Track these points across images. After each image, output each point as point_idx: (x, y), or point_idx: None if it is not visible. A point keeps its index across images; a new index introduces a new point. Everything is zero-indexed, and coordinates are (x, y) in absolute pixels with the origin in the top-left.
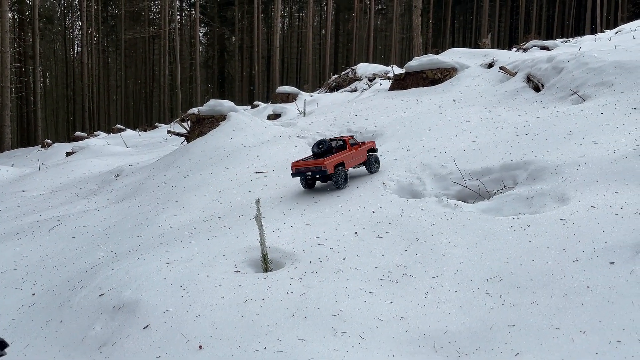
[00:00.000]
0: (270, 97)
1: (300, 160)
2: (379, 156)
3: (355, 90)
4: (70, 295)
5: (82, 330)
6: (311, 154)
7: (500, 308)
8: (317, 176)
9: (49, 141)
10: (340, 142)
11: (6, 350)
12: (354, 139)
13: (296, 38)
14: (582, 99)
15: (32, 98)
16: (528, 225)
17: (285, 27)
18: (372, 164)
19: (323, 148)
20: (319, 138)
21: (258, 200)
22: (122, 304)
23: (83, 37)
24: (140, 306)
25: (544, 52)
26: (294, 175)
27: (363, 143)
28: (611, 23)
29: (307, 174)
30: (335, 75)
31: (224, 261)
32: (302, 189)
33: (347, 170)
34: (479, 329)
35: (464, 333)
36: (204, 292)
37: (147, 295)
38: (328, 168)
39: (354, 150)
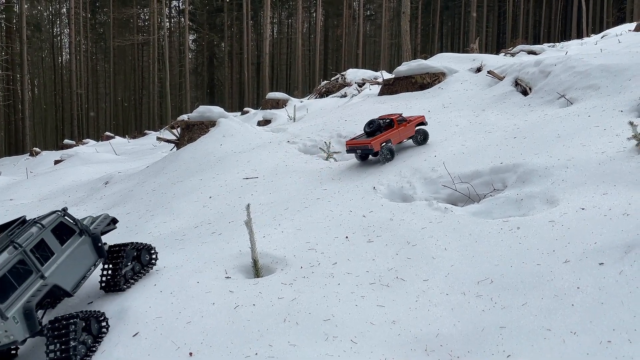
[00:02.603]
0: (260, 103)
1: (352, 139)
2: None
3: (345, 95)
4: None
5: None
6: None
7: (492, 310)
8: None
9: (37, 149)
10: (388, 121)
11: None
12: (402, 116)
13: (286, 44)
14: (570, 102)
15: (20, 106)
16: (518, 228)
17: (275, 34)
18: (419, 137)
19: (372, 127)
20: (309, 143)
21: (248, 205)
22: (111, 311)
23: (71, 45)
24: (130, 314)
25: (532, 56)
26: (348, 151)
27: (411, 119)
28: (597, 27)
29: (357, 150)
30: (325, 81)
31: (215, 267)
32: (293, 193)
33: (394, 145)
34: (470, 331)
35: (455, 336)
36: (194, 298)
37: (137, 302)
38: (374, 147)
39: (402, 127)
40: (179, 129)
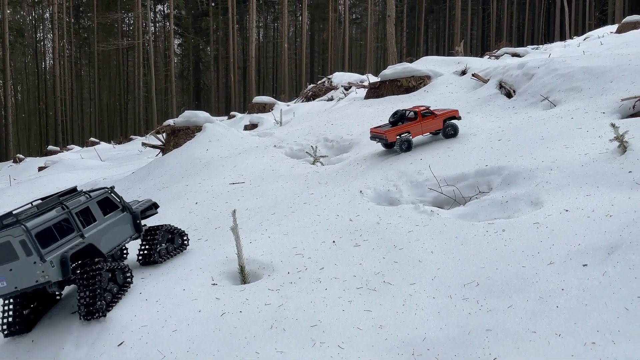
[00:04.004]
0: (247, 107)
1: (376, 127)
2: (456, 124)
3: (331, 99)
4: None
5: (53, 350)
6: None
7: (478, 313)
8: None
9: (20, 156)
10: (412, 114)
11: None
12: (428, 109)
13: (272, 48)
14: (553, 104)
15: (2, 112)
16: (503, 230)
17: (261, 38)
18: (447, 131)
19: (396, 117)
20: (295, 148)
21: (234, 211)
22: (95, 321)
23: (55, 50)
24: (115, 323)
25: (516, 59)
26: (371, 138)
27: (439, 112)
28: (579, 29)
29: (376, 139)
30: (312, 85)
31: (201, 274)
32: (280, 198)
33: (414, 137)
34: (457, 334)
35: (442, 339)
36: (180, 306)
37: (122, 311)
38: (388, 137)
39: (427, 120)
40: (164, 134)
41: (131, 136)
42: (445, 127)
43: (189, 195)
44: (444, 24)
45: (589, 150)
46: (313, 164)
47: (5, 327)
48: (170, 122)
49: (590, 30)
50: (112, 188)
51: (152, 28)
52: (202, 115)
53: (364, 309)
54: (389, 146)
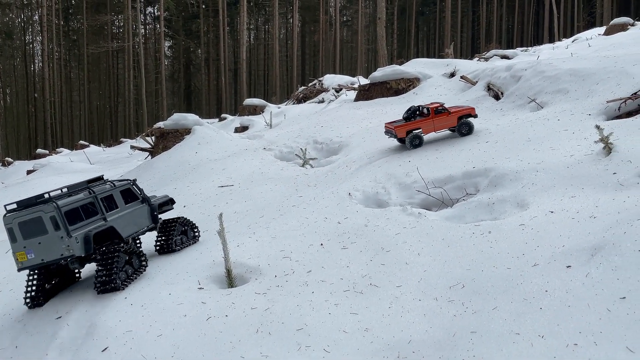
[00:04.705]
0: (238, 109)
1: (391, 122)
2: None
3: (322, 101)
4: (26, 319)
5: (37, 356)
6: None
7: (463, 315)
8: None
9: (9, 159)
10: (425, 110)
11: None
12: (442, 106)
13: (263, 50)
14: (540, 106)
15: None
16: (489, 232)
17: (252, 40)
18: (462, 128)
19: (409, 113)
20: (285, 150)
21: (221, 214)
22: (80, 326)
23: (44, 53)
24: (99, 328)
25: (505, 61)
26: (385, 133)
27: (454, 109)
28: (568, 31)
29: (389, 134)
30: (303, 87)
31: (187, 278)
32: (268, 201)
33: (427, 134)
34: (442, 337)
35: (427, 342)
36: (166, 310)
37: (106, 316)
38: (397, 133)
39: (440, 117)
40: (154, 137)
41: (121, 139)
42: (460, 124)
43: (178, 198)
44: (434, 26)
45: (575, 152)
46: (302, 166)
47: (28, 300)
48: (161, 124)
49: (578, 32)
50: (134, 181)
51: (142, 30)
52: (191, 117)
53: (350, 312)
54: (402, 141)
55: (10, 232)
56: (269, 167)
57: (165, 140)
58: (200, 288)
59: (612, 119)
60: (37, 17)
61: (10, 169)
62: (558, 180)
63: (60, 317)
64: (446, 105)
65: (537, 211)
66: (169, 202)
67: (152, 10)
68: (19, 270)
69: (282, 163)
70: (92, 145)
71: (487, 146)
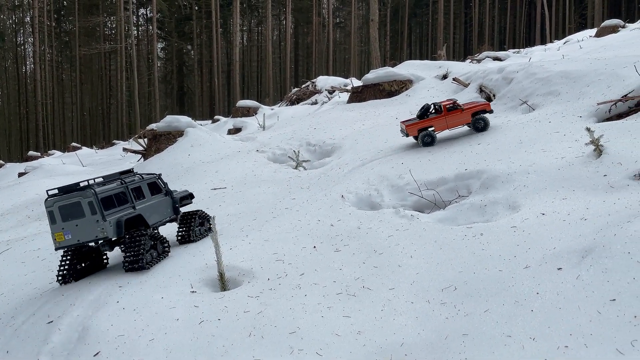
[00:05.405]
0: (231, 111)
1: (405, 120)
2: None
3: (315, 102)
4: (18, 323)
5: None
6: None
7: (455, 318)
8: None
9: (1, 161)
10: (437, 107)
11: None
12: (455, 104)
13: (256, 52)
14: (532, 108)
15: None
16: (481, 234)
17: (245, 41)
18: (477, 124)
19: (422, 111)
20: (278, 152)
21: (213, 217)
22: (71, 331)
23: (35, 54)
24: (91, 333)
25: (497, 62)
26: (400, 131)
27: (468, 106)
28: (560, 33)
29: (403, 132)
30: (296, 89)
31: (180, 281)
32: (261, 203)
33: (440, 132)
34: (434, 339)
35: (420, 344)
36: (158, 314)
37: (98, 320)
38: (408, 132)
39: (452, 114)
40: (146, 139)
41: (114, 141)
42: (476, 120)
43: None
44: (427, 28)
45: (566, 154)
46: (295, 168)
47: (60, 277)
48: (154, 126)
49: (570, 34)
50: (159, 175)
51: (135, 32)
52: (183, 119)
53: (343, 314)
54: (416, 139)
55: (50, 214)
56: (262, 169)
57: (158, 143)
58: (193, 291)
59: (602, 121)
60: (28, 18)
61: (1, 172)
62: (549, 182)
63: (52, 322)
64: (459, 102)
65: (528, 213)
66: (188, 197)
67: (145, 12)
68: (57, 249)
69: (275, 165)
70: (84, 148)
71: (479, 148)
